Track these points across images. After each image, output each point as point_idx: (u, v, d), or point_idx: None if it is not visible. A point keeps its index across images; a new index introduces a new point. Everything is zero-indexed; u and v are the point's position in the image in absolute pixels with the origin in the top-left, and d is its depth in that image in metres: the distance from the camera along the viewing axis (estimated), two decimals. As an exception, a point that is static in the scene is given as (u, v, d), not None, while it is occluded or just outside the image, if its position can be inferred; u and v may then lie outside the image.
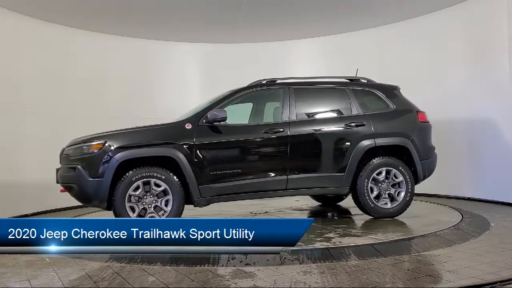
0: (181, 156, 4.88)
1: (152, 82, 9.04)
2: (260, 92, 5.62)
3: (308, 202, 6.99)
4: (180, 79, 9.22)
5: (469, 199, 7.28)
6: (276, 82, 5.64)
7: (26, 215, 7.13)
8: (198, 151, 4.96)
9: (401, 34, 8.28)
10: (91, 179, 4.81)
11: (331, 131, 5.43)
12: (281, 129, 5.24)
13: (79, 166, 4.87)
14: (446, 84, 7.71)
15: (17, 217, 6.99)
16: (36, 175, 7.30)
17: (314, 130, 5.37)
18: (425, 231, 4.61)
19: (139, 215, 4.78)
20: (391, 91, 5.81)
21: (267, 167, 5.24)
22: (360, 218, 5.56)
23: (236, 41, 9.15)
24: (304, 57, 9.14)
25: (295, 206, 6.75)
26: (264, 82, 5.65)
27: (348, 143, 5.39)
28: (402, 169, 5.46)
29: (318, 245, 4.19)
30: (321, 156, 5.39)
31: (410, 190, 5.48)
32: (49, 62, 7.68)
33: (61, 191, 5.16)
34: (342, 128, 5.46)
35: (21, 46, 7.30)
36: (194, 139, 4.97)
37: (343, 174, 5.34)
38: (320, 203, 6.93)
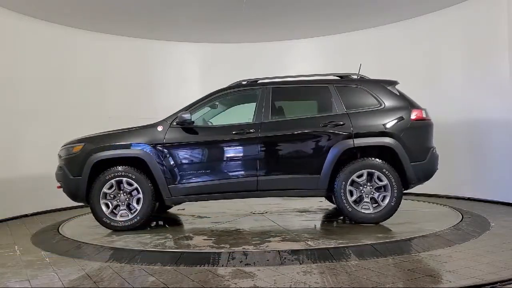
0: (150, 156, 5.17)
1: (152, 82, 9.05)
2: (239, 93, 5.61)
3: (327, 204, 6.80)
4: (180, 79, 9.23)
5: (469, 199, 7.28)
6: (258, 82, 5.61)
7: (26, 215, 7.14)
8: (167, 152, 5.22)
9: (401, 34, 8.29)
10: (72, 177, 5.29)
11: (304, 132, 5.22)
12: (252, 130, 5.21)
13: (64, 166, 5.39)
14: (446, 84, 7.72)
15: (17, 217, 7.00)
16: (36, 175, 7.31)
17: (287, 130, 5.22)
18: (425, 231, 4.61)
19: (112, 212, 5.22)
20: (382, 87, 5.42)
21: (237, 168, 5.23)
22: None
23: (236, 41, 9.17)
24: (304, 57, 9.15)
25: (308, 207, 6.64)
26: (245, 82, 5.64)
27: (324, 144, 5.16)
28: (387, 172, 5.07)
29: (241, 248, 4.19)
30: (293, 158, 5.23)
31: (396, 195, 5.07)
32: (49, 62, 7.69)
33: (57, 187, 5.54)
34: (317, 129, 5.21)
35: (21, 46, 7.30)
36: (164, 140, 5.21)
37: (318, 176, 5.13)
38: (335, 205, 6.62)
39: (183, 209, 6.89)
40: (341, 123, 5.19)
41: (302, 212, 6.17)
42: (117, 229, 5.23)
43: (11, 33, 7.14)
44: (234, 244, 4.38)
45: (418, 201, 7.18)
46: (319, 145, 5.20)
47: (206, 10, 7.50)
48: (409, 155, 5.12)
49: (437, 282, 3.25)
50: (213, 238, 4.70)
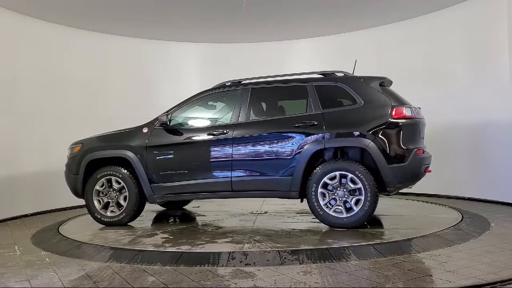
0: (133, 156, 5.46)
1: (152, 82, 9.05)
2: (222, 94, 5.66)
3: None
4: (180, 79, 9.23)
5: (469, 199, 7.28)
6: (241, 83, 5.62)
7: (26, 215, 7.14)
8: (149, 153, 5.44)
9: (401, 34, 8.29)
10: (72, 175, 5.76)
11: (276, 133, 5.12)
12: (225, 131, 5.23)
13: (67, 165, 5.88)
14: (446, 84, 7.71)
15: (17, 217, 7.00)
16: (36, 175, 7.32)
17: (259, 131, 5.17)
18: (425, 231, 4.60)
19: (103, 207, 5.60)
20: (363, 85, 5.13)
21: (213, 169, 5.26)
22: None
23: (236, 41, 9.17)
24: (303, 57, 9.14)
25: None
26: (228, 83, 5.67)
27: (296, 145, 5.00)
28: (360, 174, 4.78)
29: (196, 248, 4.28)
30: (265, 159, 5.12)
31: (369, 199, 4.75)
32: (49, 62, 7.69)
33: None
34: (289, 129, 5.08)
35: (21, 46, 7.30)
36: (147, 142, 5.46)
37: (290, 177, 5.00)
38: None
39: (198, 207, 7.10)
40: (315, 123, 5.01)
41: (298, 214, 6.07)
42: (107, 224, 5.57)
43: (11, 33, 7.14)
44: (181, 243, 4.47)
45: (418, 201, 7.18)
46: (291, 146, 5.04)
47: (206, 10, 7.50)
48: (386, 157, 4.79)
49: (437, 282, 3.25)
50: (171, 237, 4.82)
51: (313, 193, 4.93)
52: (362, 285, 3.20)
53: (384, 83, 5.28)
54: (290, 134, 5.08)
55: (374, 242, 4.21)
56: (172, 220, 6.17)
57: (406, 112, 4.93)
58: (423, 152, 5.05)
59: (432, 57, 7.92)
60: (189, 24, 8.23)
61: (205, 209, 6.83)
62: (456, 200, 7.30)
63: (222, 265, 3.79)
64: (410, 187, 5.23)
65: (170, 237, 4.84)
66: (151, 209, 6.90)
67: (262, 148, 5.14)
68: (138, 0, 6.94)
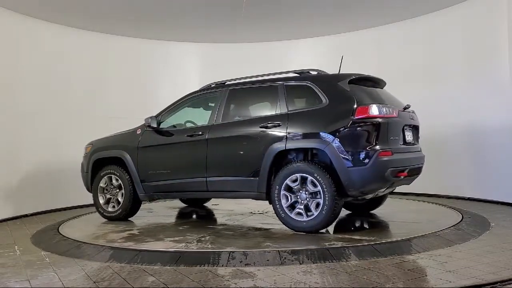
0: (127, 157, 5.81)
1: (152, 82, 9.06)
2: (206, 95, 5.76)
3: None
4: (180, 79, 9.23)
5: (469, 199, 7.28)
6: (225, 84, 5.67)
7: (26, 215, 7.14)
8: (140, 153, 5.76)
9: (401, 34, 8.29)
10: (85, 173, 6.28)
11: (244, 134, 5.09)
12: (201, 133, 5.35)
13: (82, 163, 6.38)
14: (446, 84, 7.71)
15: (17, 217, 7.00)
16: (36, 176, 7.31)
17: (229, 133, 5.19)
18: (425, 231, 4.60)
19: (106, 203, 6.04)
20: (331, 84, 4.91)
21: (190, 169, 5.41)
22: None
23: (236, 41, 9.17)
24: (303, 57, 9.14)
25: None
26: (213, 85, 5.74)
27: (261, 146, 4.93)
28: (318, 177, 4.58)
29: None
30: (235, 160, 5.10)
31: (328, 203, 4.53)
32: (49, 62, 7.68)
33: None
34: (255, 130, 5.01)
35: (21, 46, 7.30)
36: (139, 143, 5.78)
37: (257, 179, 4.95)
38: (350, 211, 6.05)
39: (217, 204, 7.32)
40: (279, 123, 4.91)
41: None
42: (109, 219, 5.99)
43: (11, 33, 7.13)
44: (132, 240, 4.67)
45: (418, 201, 7.19)
46: (256, 147, 4.98)
47: (206, 10, 7.50)
48: (345, 159, 4.51)
49: (437, 282, 3.25)
50: (136, 234, 5.06)
51: (276, 195, 4.83)
52: (362, 285, 3.20)
53: (356, 80, 4.96)
54: (256, 135, 5.03)
55: (374, 242, 4.21)
56: (170, 217, 6.18)
57: (372, 111, 4.57)
58: (392, 154, 4.62)
59: (432, 57, 7.92)
60: (189, 24, 8.23)
61: (222, 208, 7.01)
62: (456, 200, 7.30)
63: (222, 265, 3.79)
64: (383, 191, 4.97)
65: (136, 233, 5.07)
66: (171, 206, 7.22)
67: (232, 149, 5.16)
68: (138, 0, 6.94)
